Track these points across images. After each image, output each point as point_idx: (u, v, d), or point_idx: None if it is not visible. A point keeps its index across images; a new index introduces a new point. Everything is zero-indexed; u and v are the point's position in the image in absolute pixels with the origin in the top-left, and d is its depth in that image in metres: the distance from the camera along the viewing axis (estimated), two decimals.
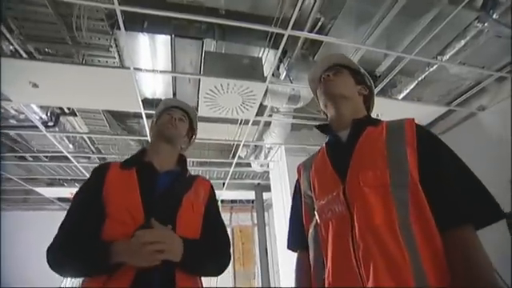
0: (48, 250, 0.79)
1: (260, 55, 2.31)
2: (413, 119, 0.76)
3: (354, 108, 0.88)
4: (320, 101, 0.95)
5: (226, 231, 1.00)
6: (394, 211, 0.63)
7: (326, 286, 0.68)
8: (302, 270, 0.84)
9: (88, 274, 0.78)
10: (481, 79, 2.48)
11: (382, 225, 0.63)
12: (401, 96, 2.48)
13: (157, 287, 0.75)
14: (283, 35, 1.83)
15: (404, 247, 0.59)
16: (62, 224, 0.83)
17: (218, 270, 0.92)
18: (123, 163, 0.94)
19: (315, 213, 0.79)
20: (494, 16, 1.82)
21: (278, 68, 2.33)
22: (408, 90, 2.43)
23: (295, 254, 0.91)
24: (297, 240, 0.90)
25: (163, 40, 2.14)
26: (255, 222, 5.54)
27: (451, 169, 0.68)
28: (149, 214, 0.80)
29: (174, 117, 1.03)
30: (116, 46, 2.07)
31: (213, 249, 0.89)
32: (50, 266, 0.78)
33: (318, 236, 0.75)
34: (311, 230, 0.80)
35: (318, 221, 0.77)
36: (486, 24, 1.86)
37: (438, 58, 2.11)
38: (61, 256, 0.78)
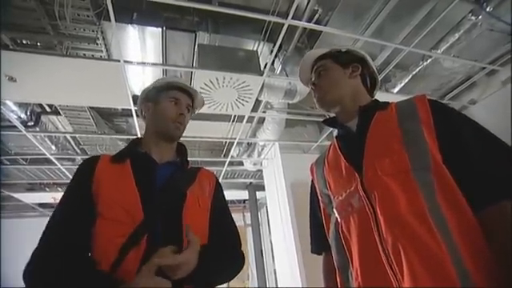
0: (25, 272, 0.64)
1: (254, 49, 2.25)
2: (424, 95, 0.69)
3: (353, 96, 0.80)
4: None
5: (237, 229, 0.88)
6: (420, 197, 0.57)
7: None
8: (329, 273, 0.79)
9: None
10: (471, 73, 2.53)
11: (408, 213, 0.57)
12: (395, 90, 2.48)
13: None
14: (279, 28, 1.78)
15: (438, 235, 0.53)
16: (42, 237, 0.68)
17: (229, 278, 0.82)
18: (115, 155, 0.82)
19: (334, 210, 0.74)
20: (488, 9, 1.84)
21: (272, 63, 2.27)
22: (402, 84, 2.43)
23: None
24: (319, 243, 0.85)
25: (153, 33, 2.03)
26: (247, 222, 5.44)
27: (477, 141, 0.60)
28: (148, 210, 0.70)
29: (183, 112, 0.88)
30: (103, 38, 1.94)
31: (224, 254, 0.77)
32: None
33: (340, 234, 0.70)
34: (332, 229, 0.74)
35: (338, 218, 0.71)
36: (479, 17, 1.88)
37: (433, 51, 2.12)
38: (39, 282, 0.64)
